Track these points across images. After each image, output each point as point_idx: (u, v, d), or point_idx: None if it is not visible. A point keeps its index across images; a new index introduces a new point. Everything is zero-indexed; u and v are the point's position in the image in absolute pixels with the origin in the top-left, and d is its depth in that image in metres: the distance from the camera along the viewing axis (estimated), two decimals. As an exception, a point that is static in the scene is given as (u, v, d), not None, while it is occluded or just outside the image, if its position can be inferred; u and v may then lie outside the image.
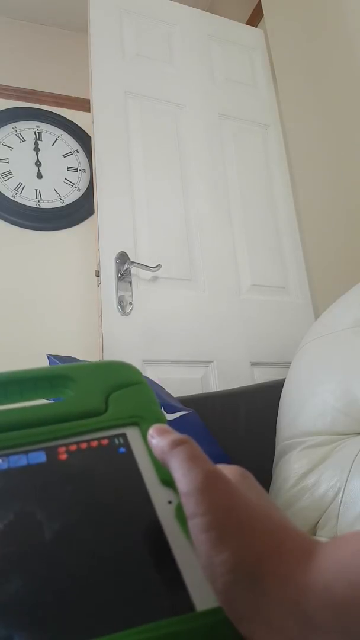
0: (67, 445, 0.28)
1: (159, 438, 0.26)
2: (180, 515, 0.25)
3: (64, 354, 0.91)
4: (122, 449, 0.28)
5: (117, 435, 0.29)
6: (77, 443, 0.29)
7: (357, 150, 1.48)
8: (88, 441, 0.29)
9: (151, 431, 0.27)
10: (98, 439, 0.29)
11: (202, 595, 0.22)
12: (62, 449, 0.28)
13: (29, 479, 0.26)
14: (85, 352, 1.47)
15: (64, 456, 0.28)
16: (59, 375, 0.32)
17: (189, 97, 1.78)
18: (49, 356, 0.87)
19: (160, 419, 0.31)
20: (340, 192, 1.55)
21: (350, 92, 1.50)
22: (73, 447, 0.28)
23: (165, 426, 0.27)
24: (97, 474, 0.27)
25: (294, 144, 1.81)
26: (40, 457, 0.28)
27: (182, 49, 1.84)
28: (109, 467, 0.27)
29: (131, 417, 0.30)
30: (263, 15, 2.01)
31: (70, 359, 0.88)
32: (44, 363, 0.89)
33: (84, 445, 0.28)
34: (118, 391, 0.32)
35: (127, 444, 0.29)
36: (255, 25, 2.14)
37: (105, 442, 0.29)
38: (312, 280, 1.69)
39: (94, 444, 0.29)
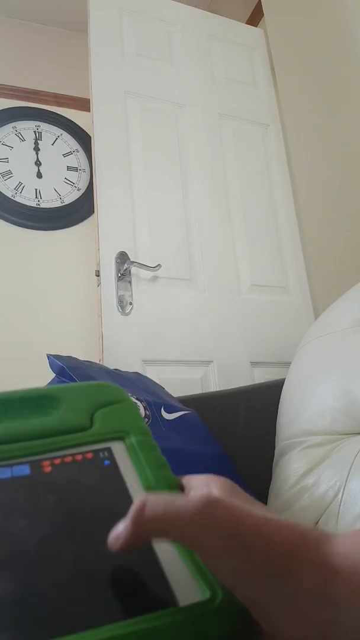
0: (52, 459, 0.29)
1: (121, 529, 0.23)
2: None
3: (64, 354, 0.91)
4: (107, 462, 0.29)
5: (102, 449, 0.30)
6: (61, 457, 0.29)
7: (357, 150, 1.48)
8: (73, 455, 0.29)
9: (111, 539, 0.23)
10: (83, 453, 0.29)
11: (185, 592, 0.22)
12: (47, 462, 0.29)
13: (12, 490, 0.27)
14: (85, 352, 1.47)
15: (48, 469, 0.28)
16: (44, 396, 0.33)
17: (188, 96, 1.78)
18: (48, 356, 0.87)
19: (145, 432, 0.32)
20: (340, 191, 1.55)
21: (350, 91, 1.50)
22: (57, 461, 0.29)
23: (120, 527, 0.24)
24: (81, 484, 0.27)
25: (294, 144, 1.81)
26: (24, 470, 0.28)
27: (182, 49, 1.84)
28: (94, 478, 0.28)
29: (116, 432, 0.31)
30: (263, 14, 2.01)
31: (70, 358, 0.88)
32: (44, 363, 0.89)
33: (68, 459, 0.29)
34: (103, 409, 0.33)
35: (112, 457, 0.29)
36: (255, 25, 2.14)
37: (90, 455, 0.29)
38: (312, 280, 1.69)
39: (79, 457, 0.29)
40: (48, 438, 0.30)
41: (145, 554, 0.24)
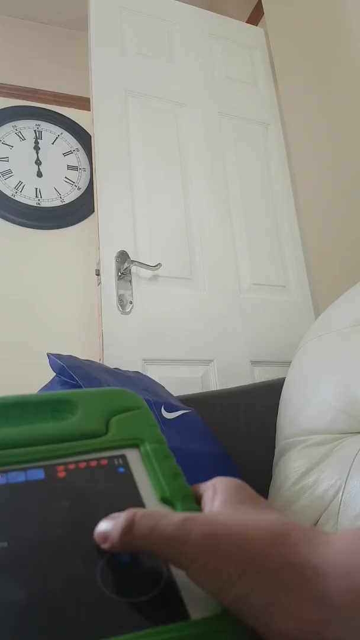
0: (66, 464, 0.29)
1: (110, 530, 0.24)
2: None
3: (64, 353, 0.91)
4: (121, 469, 0.29)
5: (117, 456, 0.30)
6: (76, 462, 0.29)
7: (357, 149, 1.48)
8: (87, 461, 0.29)
9: (97, 535, 0.25)
10: (97, 459, 0.29)
11: (197, 605, 0.22)
12: (61, 467, 0.29)
13: (25, 494, 0.27)
14: (85, 351, 1.47)
15: (62, 474, 0.28)
16: (61, 400, 0.33)
17: (189, 95, 1.78)
18: (49, 355, 0.86)
19: (161, 440, 0.32)
20: (340, 191, 1.55)
21: (351, 90, 1.50)
22: (72, 466, 0.29)
23: (103, 523, 0.25)
24: (95, 491, 0.27)
25: (294, 143, 1.81)
26: (38, 474, 0.28)
27: (182, 48, 1.84)
28: (107, 485, 0.28)
29: (131, 439, 0.31)
30: (263, 13, 2.01)
31: (70, 357, 0.88)
32: (45, 362, 0.89)
33: (82, 465, 0.29)
34: (119, 415, 0.33)
35: (126, 465, 0.29)
36: (256, 24, 2.14)
37: (104, 462, 0.29)
38: (312, 279, 1.69)
39: (93, 463, 0.29)
40: (63, 443, 0.30)
41: (157, 565, 0.24)
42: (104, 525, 0.25)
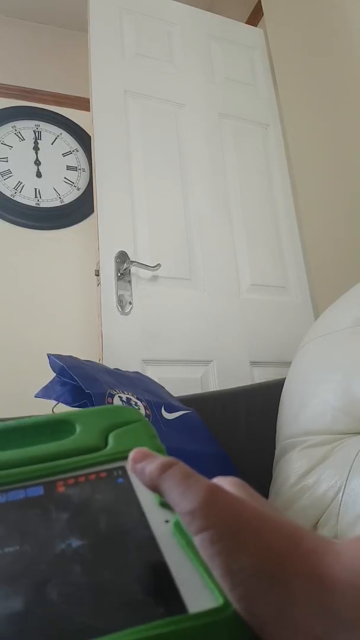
0: (65, 479, 0.29)
1: (144, 462, 0.26)
2: (178, 531, 0.25)
3: (64, 353, 0.91)
4: (120, 479, 0.29)
5: (116, 468, 0.30)
6: (75, 477, 0.29)
7: (357, 150, 1.48)
8: (86, 475, 0.30)
9: (133, 455, 0.27)
10: (96, 472, 0.30)
11: (195, 598, 0.22)
12: (60, 483, 0.29)
13: (24, 510, 0.27)
14: (85, 351, 1.47)
15: (61, 489, 0.29)
16: (60, 421, 0.34)
17: (188, 96, 1.78)
18: (49, 356, 0.86)
19: (160, 449, 0.32)
20: (340, 191, 1.55)
21: (351, 91, 1.50)
22: (71, 481, 0.29)
23: (146, 449, 0.27)
24: (93, 501, 0.28)
25: (294, 143, 1.81)
26: (37, 491, 0.28)
27: (182, 48, 1.84)
28: (106, 495, 0.28)
29: (130, 451, 0.31)
30: (263, 14, 2.02)
31: (70, 358, 0.88)
32: (45, 362, 0.89)
33: (82, 479, 0.29)
34: (118, 429, 0.33)
35: (125, 475, 0.29)
36: (255, 25, 2.14)
37: (103, 474, 0.30)
38: (311, 280, 1.69)
39: (92, 477, 0.29)
40: (62, 460, 0.30)
41: (152, 558, 0.24)
42: (145, 462, 0.26)
